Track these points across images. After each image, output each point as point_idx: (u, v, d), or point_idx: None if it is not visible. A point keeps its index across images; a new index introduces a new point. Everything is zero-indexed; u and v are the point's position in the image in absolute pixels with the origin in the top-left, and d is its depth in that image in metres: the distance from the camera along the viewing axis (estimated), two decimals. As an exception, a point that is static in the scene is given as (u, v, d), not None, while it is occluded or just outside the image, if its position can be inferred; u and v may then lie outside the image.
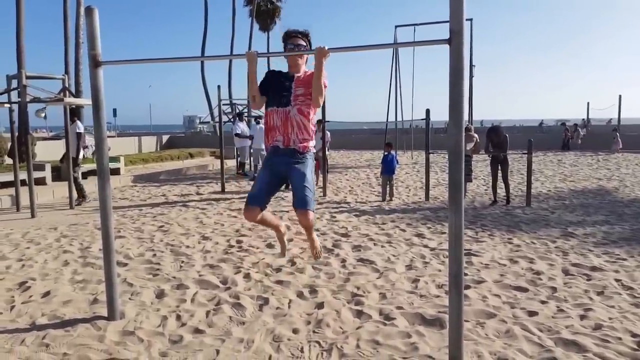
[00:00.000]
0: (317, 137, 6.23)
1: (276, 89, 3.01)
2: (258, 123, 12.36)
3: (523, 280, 4.32)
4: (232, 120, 14.34)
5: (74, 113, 8.96)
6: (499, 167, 8.56)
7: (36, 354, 2.99)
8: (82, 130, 8.85)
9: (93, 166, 10.00)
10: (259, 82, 3.09)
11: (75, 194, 8.68)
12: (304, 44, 2.98)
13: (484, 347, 3.01)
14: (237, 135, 12.95)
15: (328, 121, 10.91)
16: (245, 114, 14.60)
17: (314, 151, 3.16)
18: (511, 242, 5.71)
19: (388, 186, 9.04)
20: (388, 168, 9.02)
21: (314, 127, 3.11)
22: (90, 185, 10.26)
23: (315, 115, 3.08)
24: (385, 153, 9.20)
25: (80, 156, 8.91)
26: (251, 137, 12.54)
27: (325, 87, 3.03)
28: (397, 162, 9.39)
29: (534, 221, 6.91)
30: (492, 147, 8.55)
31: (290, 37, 3.01)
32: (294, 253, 5.22)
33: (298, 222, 3.16)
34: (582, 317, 3.48)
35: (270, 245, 5.58)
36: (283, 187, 8.16)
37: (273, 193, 3.14)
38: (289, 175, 3.05)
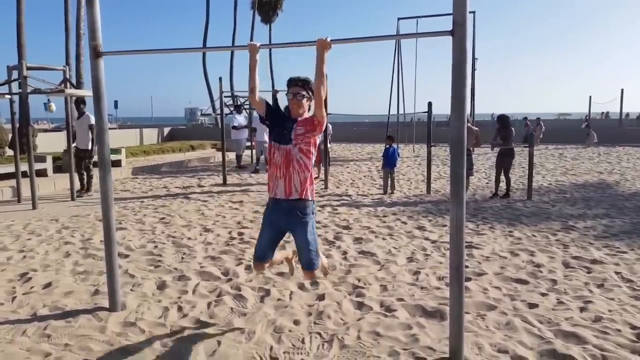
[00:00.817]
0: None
1: (278, 124, 3.04)
2: None
3: (523, 272, 4.33)
4: (232, 112, 14.30)
5: (82, 103, 8.81)
6: (504, 160, 8.56)
7: (37, 344, 3.00)
8: (94, 121, 8.82)
9: (95, 158, 10.00)
10: (266, 103, 3.12)
11: (77, 185, 8.69)
12: (304, 93, 2.99)
13: (484, 339, 3.02)
14: (234, 127, 12.90)
15: (330, 114, 10.87)
16: (247, 106, 14.54)
17: (314, 201, 3.15)
18: (512, 235, 5.71)
19: (389, 179, 9.04)
20: (389, 161, 9.01)
21: (313, 161, 3.08)
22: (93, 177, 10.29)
23: (316, 149, 3.07)
24: (387, 146, 9.18)
25: (94, 147, 8.89)
26: (254, 129, 12.48)
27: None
28: (399, 155, 9.35)
29: (535, 214, 6.91)
30: (500, 139, 8.52)
31: (291, 85, 3.02)
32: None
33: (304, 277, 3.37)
34: (582, 310, 3.49)
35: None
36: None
37: (277, 244, 3.23)
38: (292, 232, 3.13)
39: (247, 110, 14.54)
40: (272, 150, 3.03)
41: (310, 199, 3.03)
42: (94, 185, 8.87)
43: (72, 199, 8.36)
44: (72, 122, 8.66)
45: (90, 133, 8.67)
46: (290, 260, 3.67)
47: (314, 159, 3.07)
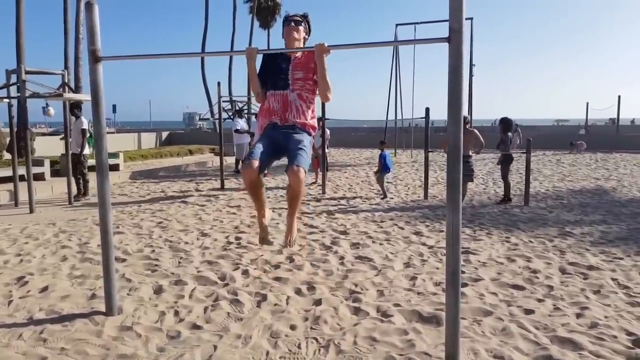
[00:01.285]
0: (316, 134, 6.22)
1: (273, 72, 2.95)
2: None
3: (520, 278, 4.34)
4: (231, 117, 14.32)
5: (77, 108, 8.83)
6: (502, 166, 8.66)
7: (34, 348, 3.00)
8: (86, 126, 8.79)
9: (92, 162, 9.98)
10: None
11: (74, 189, 8.68)
12: (301, 20, 2.96)
13: (480, 345, 3.03)
14: (236, 131, 12.93)
15: (328, 119, 10.91)
16: (245, 111, 14.58)
17: (314, 134, 3.09)
18: (509, 240, 5.73)
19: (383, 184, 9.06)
20: (384, 166, 9.01)
21: (314, 114, 3.04)
22: (90, 181, 10.28)
23: (315, 99, 3.01)
24: (381, 151, 9.22)
25: (86, 152, 8.88)
26: (252, 134, 12.53)
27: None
28: (390, 161, 9.36)
29: (532, 220, 6.93)
30: (501, 143, 8.62)
31: (287, 19, 3.03)
32: (292, 250, 5.23)
33: (289, 182, 2.94)
34: (578, 316, 3.50)
35: (268, 242, 5.58)
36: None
37: (272, 158, 3.00)
38: (287, 144, 2.93)
39: (247, 115, 14.59)
40: (269, 99, 2.90)
41: (309, 131, 2.94)
42: (91, 189, 8.86)
43: (70, 203, 8.35)
44: (70, 126, 8.68)
45: (82, 137, 8.67)
46: (263, 222, 3.29)
47: (315, 103, 2.97)
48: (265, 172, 3.12)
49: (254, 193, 3.08)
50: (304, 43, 3.11)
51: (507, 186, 8.58)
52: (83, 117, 8.83)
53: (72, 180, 8.62)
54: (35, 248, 5.39)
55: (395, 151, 20.28)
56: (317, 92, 3.02)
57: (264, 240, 3.36)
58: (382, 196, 8.97)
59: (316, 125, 3.04)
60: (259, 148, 2.94)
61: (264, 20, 37.82)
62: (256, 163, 2.86)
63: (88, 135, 8.77)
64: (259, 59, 2.99)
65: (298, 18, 2.97)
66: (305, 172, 2.89)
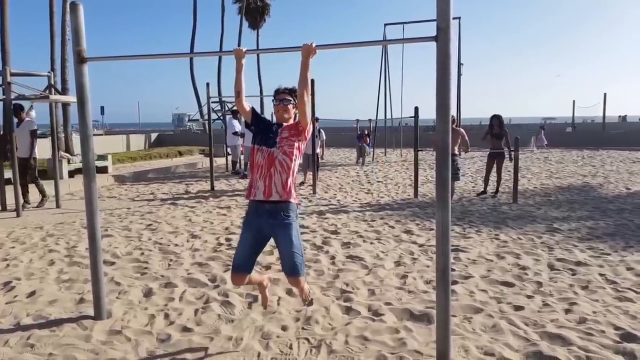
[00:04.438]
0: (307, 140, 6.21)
1: (264, 129, 3.04)
2: None
3: (509, 275, 4.37)
4: (220, 118, 14.24)
5: (21, 109, 8.08)
6: (495, 160, 8.87)
7: (20, 354, 2.95)
8: (36, 127, 8.20)
9: (79, 165, 9.82)
10: (252, 111, 3.12)
11: (35, 196, 8.16)
12: (290, 99, 3.02)
13: (471, 342, 3.04)
14: (234, 134, 12.90)
15: (318, 119, 10.91)
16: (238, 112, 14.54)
17: (297, 202, 3.11)
18: (498, 238, 5.77)
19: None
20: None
21: (296, 171, 3.07)
22: (77, 184, 10.16)
23: (300, 155, 3.06)
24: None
25: (35, 154, 8.20)
26: (242, 135, 12.49)
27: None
28: (369, 145, 10.04)
29: (521, 217, 6.99)
30: (490, 137, 8.96)
31: (278, 93, 3.06)
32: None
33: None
34: (567, 311, 3.53)
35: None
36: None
37: (258, 254, 3.09)
38: (275, 238, 2.99)
39: (239, 116, 14.54)
40: (255, 153, 2.99)
41: (292, 201, 2.95)
42: (79, 191, 8.73)
43: (18, 215, 7.47)
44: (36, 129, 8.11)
45: (30, 140, 7.99)
46: (264, 288, 3.38)
47: (297, 163, 3.03)
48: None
49: (250, 284, 3.24)
50: (294, 118, 3.11)
51: (499, 180, 8.89)
52: (30, 119, 8.14)
53: (30, 187, 8.05)
54: (22, 252, 5.32)
55: (385, 150, 20.34)
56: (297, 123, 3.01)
57: (265, 306, 3.48)
58: (361, 163, 9.27)
59: (294, 192, 3.03)
60: (245, 254, 2.98)
61: (253, 21, 37.74)
62: (245, 275, 3.00)
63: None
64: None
65: (287, 97, 3.02)
66: (304, 276, 2.99)
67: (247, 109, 3.10)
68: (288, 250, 2.90)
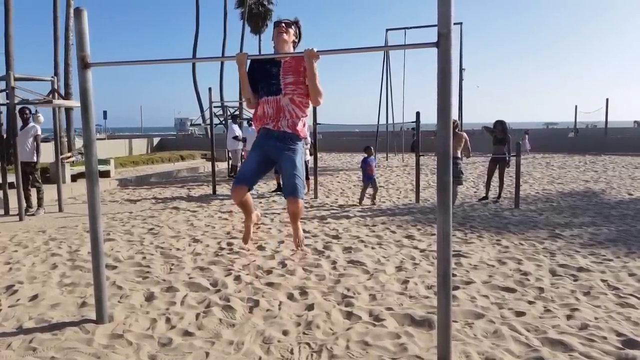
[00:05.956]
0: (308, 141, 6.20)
1: (264, 77, 2.98)
2: (250, 125, 12.35)
3: (511, 281, 4.36)
4: (222, 122, 14.29)
5: (24, 113, 8.00)
6: (497, 165, 8.92)
7: (23, 358, 2.96)
8: (40, 132, 8.16)
9: (82, 169, 9.84)
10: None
11: (29, 201, 8.01)
12: (291, 24, 3.01)
13: (472, 347, 3.04)
14: (235, 138, 12.93)
15: (319, 123, 10.91)
16: (238, 117, 14.59)
17: (307, 137, 3.16)
18: (500, 243, 5.76)
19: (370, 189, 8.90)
20: (366, 174, 8.82)
21: (306, 119, 3.10)
22: (80, 188, 10.19)
23: (309, 103, 3.05)
24: (365, 156, 9.03)
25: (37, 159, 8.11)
26: (244, 140, 12.53)
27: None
28: (372, 165, 8.99)
29: (522, 223, 6.98)
30: (493, 142, 9.00)
31: (278, 22, 3.08)
32: (284, 255, 5.23)
33: (288, 208, 3.16)
34: (569, 317, 3.52)
35: (261, 248, 5.58)
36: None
37: (262, 174, 3.11)
38: (279, 161, 3.02)
39: (239, 120, 14.59)
40: (263, 105, 2.96)
41: (301, 135, 2.99)
42: (82, 195, 8.75)
43: (20, 219, 7.48)
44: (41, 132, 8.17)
45: (35, 144, 7.95)
46: (250, 226, 3.44)
47: (308, 109, 3.03)
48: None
49: (243, 206, 3.32)
50: (294, 48, 3.13)
51: (502, 185, 8.88)
52: (34, 123, 8.09)
53: (33, 191, 8.01)
54: (24, 256, 5.34)
55: (386, 155, 20.35)
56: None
57: (246, 241, 3.61)
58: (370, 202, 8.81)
59: (307, 134, 3.09)
60: (250, 168, 3.04)
61: (255, 26, 37.90)
62: (245, 189, 3.06)
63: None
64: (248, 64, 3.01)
65: (288, 21, 3.03)
66: (303, 200, 3.07)
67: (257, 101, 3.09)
68: (290, 172, 2.95)
